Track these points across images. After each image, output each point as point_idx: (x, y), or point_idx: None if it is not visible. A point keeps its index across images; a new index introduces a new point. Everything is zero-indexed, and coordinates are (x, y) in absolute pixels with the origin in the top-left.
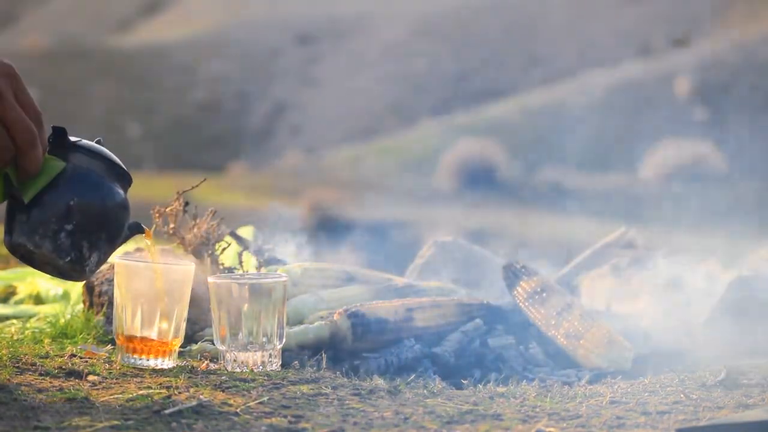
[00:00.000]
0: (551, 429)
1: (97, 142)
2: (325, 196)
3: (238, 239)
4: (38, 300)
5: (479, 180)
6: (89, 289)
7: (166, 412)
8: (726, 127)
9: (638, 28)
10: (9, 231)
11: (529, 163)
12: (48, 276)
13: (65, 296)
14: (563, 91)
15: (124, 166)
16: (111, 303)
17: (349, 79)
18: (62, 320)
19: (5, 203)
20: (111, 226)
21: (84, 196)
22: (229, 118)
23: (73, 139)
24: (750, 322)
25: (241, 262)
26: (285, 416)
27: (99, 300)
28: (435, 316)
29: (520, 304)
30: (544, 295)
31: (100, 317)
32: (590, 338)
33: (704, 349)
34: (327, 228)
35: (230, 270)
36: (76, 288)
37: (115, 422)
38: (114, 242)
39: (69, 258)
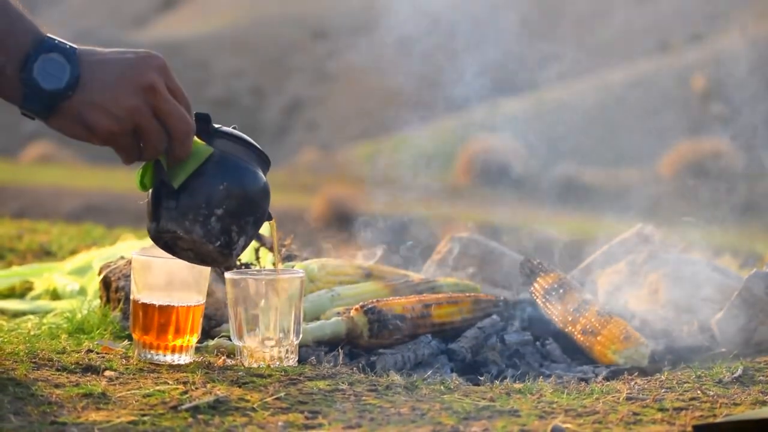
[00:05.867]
0: (568, 425)
1: (233, 128)
2: (341, 191)
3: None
4: (55, 296)
5: (496, 176)
6: (106, 285)
7: (183, 407)
8: (742, 123)
9: (654, 24)
10: (156, 218)
11: (546, 158)
12: (66, 271)
13: (82, 292)
14: (580, 87)
15: (263, 150)
16: (128, 299)
17: (365, 75)
18: (79, 316)
19: (150, 192)
20: (257, 210)
21: (233, 181)
22: (244, 114)
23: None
24: (767, 318)
25: (258, 258)
26: (302, 412)
27: (116, 295)
28: (452, 312)
29: (537, 300)
30: (561, 291)
31: (117, 313)
32: (607, 334)
33: (721, 346)
34: (344, 224)
35: (247, 266)
36: (93, 283)
37: (132, 417)
38: (258, 226)
39: (219, 242)
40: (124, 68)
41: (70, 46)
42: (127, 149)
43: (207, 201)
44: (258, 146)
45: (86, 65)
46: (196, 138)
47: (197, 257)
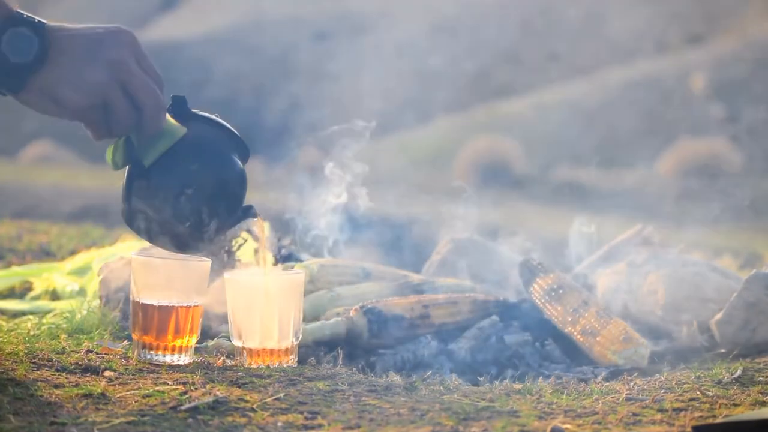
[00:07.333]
0: (567, 426)
1: (215, 116)
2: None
3: (255, 235)
4: (54, 296)
5: (495, 177)
6: (105, 285)
7: (183, 408)
8: (742, 123)
9: (655, 25)
10: (128, 198)
11: (545, 159)
12: (65, 271)
13: (81, 292)
14: (580, 88)
15: (242, 138)
16: (127, 299)
17: (365, 76)
18: (79, 316)
19: (124, 172)
20: (230, 195)
21: (205, 162)
22: (245, 115)
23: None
24: (766, 318)
25: (257, 258)
26: (301, 412)
27: (115, 296)
28: (451, 312)
29: (537, 300)
30: (561, 291)
31: (117, 313)
32: (606, 335)
33: (720, 346)
34: (343, 224)
35: (246, 265)
36: (93, 284)
37: (132, 418)
38: (232, 213)
39: (188, 223)
40: (93, 43)
41: (38, 20)
42: (96, 125)
43: (177, 180)
44: (236, 132)
45: (55, 40)
46: (170, 119)
47: (172, 242)
